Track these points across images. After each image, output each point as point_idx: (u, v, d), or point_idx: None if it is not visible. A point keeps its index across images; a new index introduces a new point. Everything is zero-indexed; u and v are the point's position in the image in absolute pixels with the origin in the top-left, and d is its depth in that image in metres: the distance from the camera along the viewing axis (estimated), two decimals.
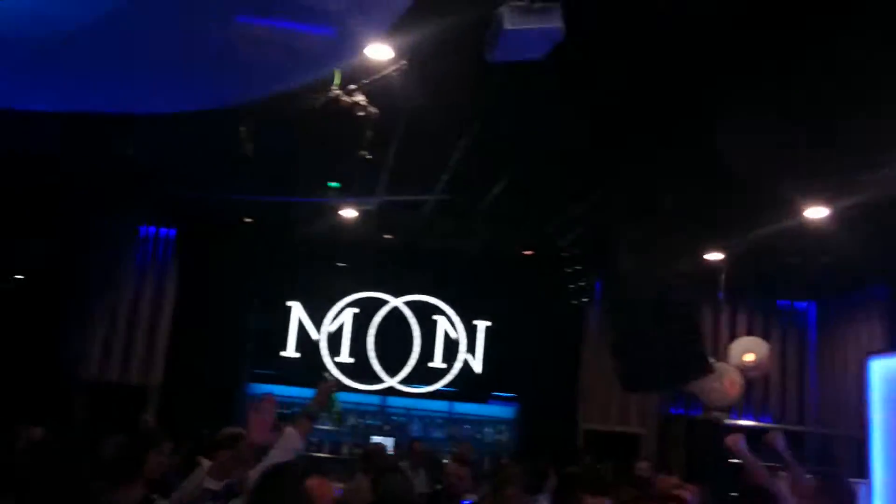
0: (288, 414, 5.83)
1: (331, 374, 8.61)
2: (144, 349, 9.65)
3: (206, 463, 4.01)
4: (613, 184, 7.21)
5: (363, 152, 6.78)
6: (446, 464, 5.55)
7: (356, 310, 10.74)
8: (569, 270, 9.77)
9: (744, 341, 8.55)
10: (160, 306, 9.80)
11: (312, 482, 2.28)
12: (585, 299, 10.29)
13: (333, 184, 7.09)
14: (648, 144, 6.16)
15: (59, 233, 8.34)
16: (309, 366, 10.47)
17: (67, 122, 6.17)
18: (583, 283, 9.99)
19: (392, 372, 10.65)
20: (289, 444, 3.84)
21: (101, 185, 7.95)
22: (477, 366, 10.86)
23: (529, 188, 7.70)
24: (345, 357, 10.65)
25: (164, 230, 9.79)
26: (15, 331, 8.40)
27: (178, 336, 9.77)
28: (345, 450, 10.32)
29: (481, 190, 7.86)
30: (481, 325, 10.94)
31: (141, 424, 7.69)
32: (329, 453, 10.08)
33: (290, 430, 3.87)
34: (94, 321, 8.63)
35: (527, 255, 10.36)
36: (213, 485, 3.25)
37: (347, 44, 4.84)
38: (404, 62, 5.15)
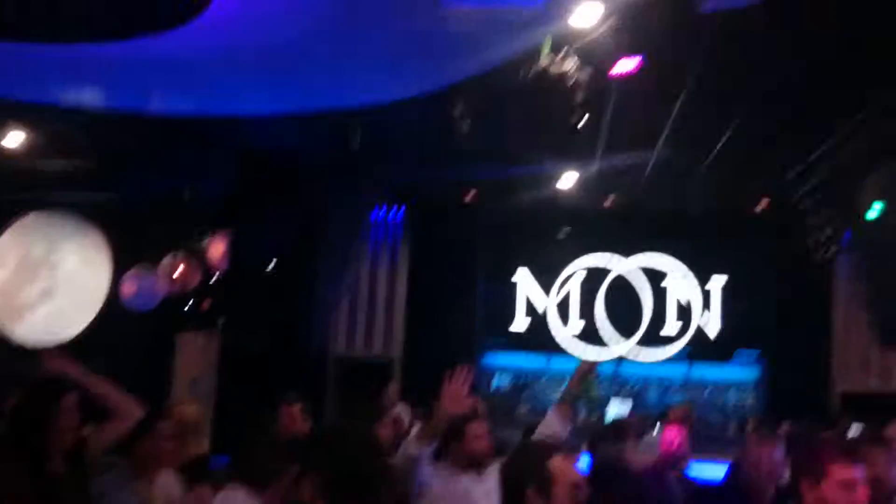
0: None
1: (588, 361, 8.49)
2: (384, 325, 10.22)
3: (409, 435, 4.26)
4: (855, 125, 6.56)
5: (577, 117, 6.69)
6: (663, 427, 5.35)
7: (583, 276, 10.66)
8: (810, 220, 9.06)
9: None
10: (395, 283, 10.31)
11: (556, 461, 2.33)
12: (832, 249, 9.49)
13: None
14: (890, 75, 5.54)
15: (302, 221, 9.02)
16: (538, 335, 10.58)
17: (302, 118, 6.66)
18: (828, 232, 9.22)
19: (624, 337, 10.48)
20: (547, 430, 3.94)
21: (335, 173, 8.50)
22: (714, 326, 10.40)
23: (758, 138, 7.21)
24: (574, 324, 10.63)
25: (393, 211, 10.27)
26: (270, 314, 9.25)
27: (413, 311, 10.25)
28: (579, 420, 10.33)
29: (706, 144, 7.48)
30: (716, 284, 10.45)
31: (384, 397, 8.14)
32: None
33: (549, 416, 4.00)
34: (338, 301, 9.27)
35: (761, 207, 9.72)
36: (415, 450, 3.67)
37: (555, 10, 4.77)
38: (614, 21, 4.99)
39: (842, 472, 2.49)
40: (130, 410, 3.45)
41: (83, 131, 8.13)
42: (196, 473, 4.32)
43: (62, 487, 3.09)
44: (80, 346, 10.06)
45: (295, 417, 4.78)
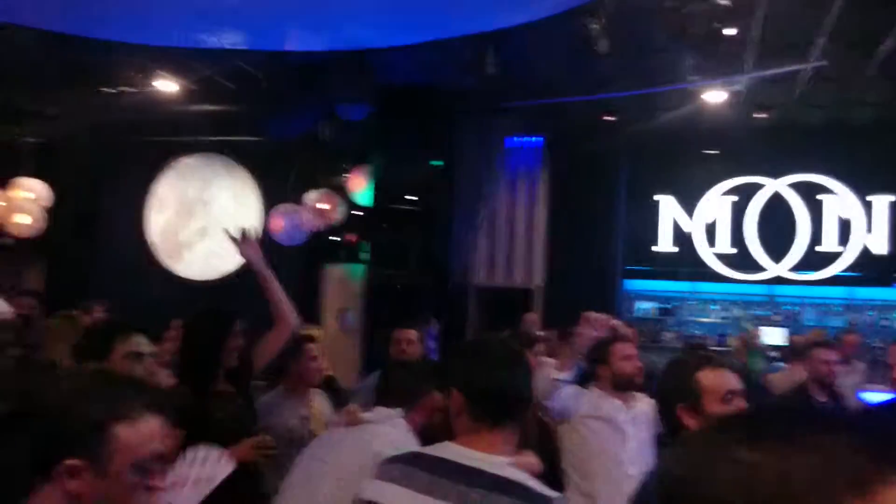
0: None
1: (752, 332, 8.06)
2: (524, 253, 10.19)
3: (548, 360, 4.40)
4: None
5: (720, 28, 6.28)
6: (813, 350, 5.04)
7: (733, 197, 10.17)
8: None
9: None
10: (534, 211, 10.21)
11: (703, 373, 2.26)
12: None
13: None
14: None
15: (440, 151, 9.05)
16: (683, 259, 10.25)
17: (437, 47, 6.60)
18: None
19: (778, 259, 9.97)
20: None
21: (472, 102, 8.43)
22: (879, 246, 9.71)
23: None
24: (724, 247, 10.20)
25: (531, 137, 10.11)
26: (411, 246, 9.41)
27: (553, 238, 10.14)
28: (731, 342, 10.00)
29: (866, 49, 6.85)
30: (881, 201, 9.71)
31: (523, 324, 8.15)
32: (717, 346, 9.83)
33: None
34: (477, 231, 9.29)
35: None
36: (557, 374, 3.78)
37: None
38: None
39: None
40: (291, 318, 3.61)
41: (228, 75, 8.42)
42: (334, 393, 4.53)
43: (228, 404, 3.28)
44: (234, 281, 10.71)
45: (409, 342, 4.91)
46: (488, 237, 10.03)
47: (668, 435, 2.42)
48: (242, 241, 3.64)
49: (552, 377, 3.76)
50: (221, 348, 3.29)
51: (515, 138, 9.90)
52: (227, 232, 3.75)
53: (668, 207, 10.34)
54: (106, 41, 7.44)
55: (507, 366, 1.98)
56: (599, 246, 9.92)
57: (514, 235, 10.17)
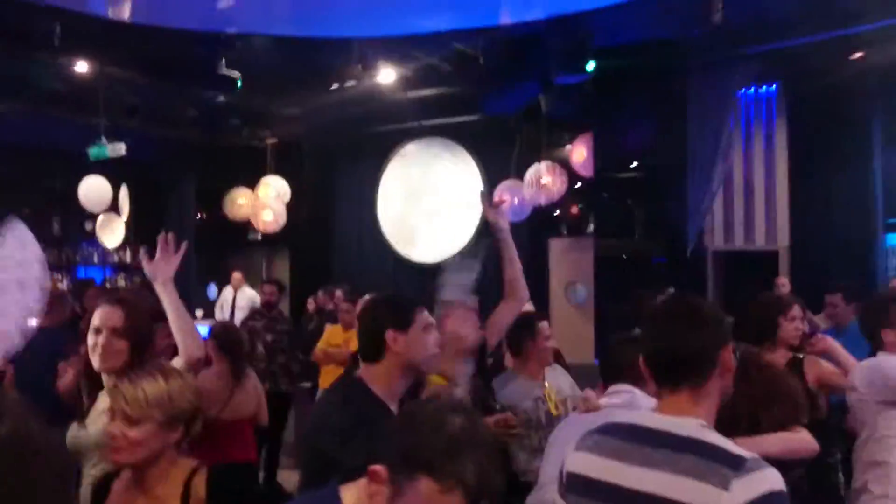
0: None
1: None
2: (765, 213, 9.47)
3: None
4: None
5: None
6: None
7: None
8: None
9: None
10: (774, 166, 9.43)
11: None
12: None
13: None
14: None
15: (665, 112, 8.59)
16: None
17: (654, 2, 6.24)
18: None
19: None
20: None
21: (697, 55, 7.92)
22: None
23: None
24: None
25: (766, 86, 9.33)
26: (640, 214, 9.04)
27: (797, 194, 9.32)
28: None
29: None
30: None
31: (775, 289, 7.58)
32: None
33: None
34: (712, 192, 8.73)
35: None
36: None
37: None
38: None
39: None
40: (525, 293, 3.55)
41: (444, 57, 8.52)
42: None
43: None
44: (464, 258, 10.89)
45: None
46: (724, 197, 9.42)
47: None
48: (492, 205, 3.57)
49: None
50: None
51: (749, 87, 9.18)
52: (482, 195, 3.71)
53: None
54: (331, 38, 7.79)
55: (671, 323, 1.90)
56: (852, 199, 8.95)
57: (751, 193, 9.47)
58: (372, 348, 2.48)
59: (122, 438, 2.14)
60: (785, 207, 9.39)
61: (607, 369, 2.94)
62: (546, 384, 4.08)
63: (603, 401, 2.81)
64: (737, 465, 1.69)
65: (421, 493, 1.51)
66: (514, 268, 3.46)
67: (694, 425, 1.80)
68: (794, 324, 3.86)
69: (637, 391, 2.73)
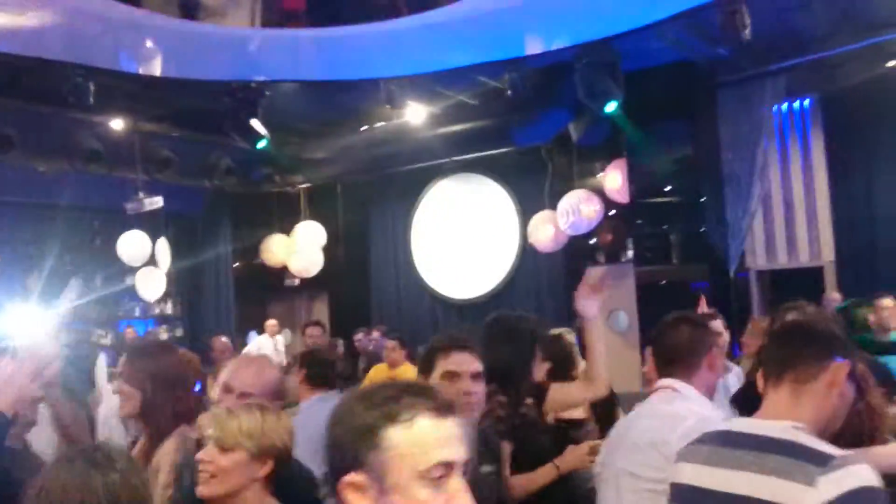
0: None
1: None
2: (807, 228, 9.30)
3: None
4: None
5: None
6: None
7: None
8: None
9: None
10: (813, 181, 9.27)
11: None
12: None
13: None
14: None
15: (697, 132, 8.50)
16: None
17: (681, 20, 6.20)
18: None
19: None
20: None
21: (726, 73, 7.85)
22: None
23: None
24: None
25: (800, 100, 9.20)
26: (678, 238, 8.90)
27: (839, 208, 9.14)
28: None
29: None
30: None
31: (825, 304, 7.42)
32: None
33: None
34: (750, 211, 8.58)
35: None
36: None
37: None
38: None
39: None
40: (601, 387, 3.38)
41: (471, 92, 8.54)
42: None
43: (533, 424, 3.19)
44: (502, 291, 10.79)
45: None
46: (764, 215, 9.26)
47: None
48: (588, 291, 3.37)
49: None
50: (525, 375, 3.22)
51: (783, 103, 9.05)
52: (587, 281, 3.51)
53: None
54: (358, 80, 7.85)
55: (786, 337, 2.07)
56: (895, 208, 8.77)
57: (792, 210, 9.29)
58: None
59: (211, 464, 2.15)
60: (827, 221, 9.21)
61: (661, 352, 2.73)
62: None
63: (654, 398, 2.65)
64: (823, 461, 1.67)
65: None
66: (593, 356, 3.31)
67: (786, 427, 1.81)
68: None
69: (684, 390, 2.55)
